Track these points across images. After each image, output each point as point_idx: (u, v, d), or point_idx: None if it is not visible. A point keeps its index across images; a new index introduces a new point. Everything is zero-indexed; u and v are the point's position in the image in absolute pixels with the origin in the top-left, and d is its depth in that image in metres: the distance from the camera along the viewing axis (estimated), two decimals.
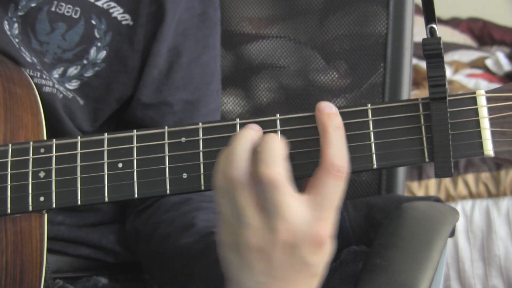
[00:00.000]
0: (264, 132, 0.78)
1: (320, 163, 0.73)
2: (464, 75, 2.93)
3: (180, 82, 1.05)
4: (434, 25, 0.77)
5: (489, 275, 2.32)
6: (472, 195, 2.34)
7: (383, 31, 1.24)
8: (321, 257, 0.74)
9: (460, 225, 2.32)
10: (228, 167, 0.73)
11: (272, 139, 0.74)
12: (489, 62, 3.04)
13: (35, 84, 0.97)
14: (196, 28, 1.06)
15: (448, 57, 3.17)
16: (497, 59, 3.02)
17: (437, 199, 1.16)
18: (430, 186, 2.36)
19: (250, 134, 0.75)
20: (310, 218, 0.72)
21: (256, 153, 0.74)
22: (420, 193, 2.35)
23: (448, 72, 2.99)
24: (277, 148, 0.73)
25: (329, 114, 0.76)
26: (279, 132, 0.79)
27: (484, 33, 3.59)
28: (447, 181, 2.35)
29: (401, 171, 1.24)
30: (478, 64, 3.09)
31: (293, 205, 0.72)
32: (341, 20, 1.26)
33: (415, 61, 2.71)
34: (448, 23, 3.66)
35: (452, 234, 1.09)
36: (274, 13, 1.30)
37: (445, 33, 3.47)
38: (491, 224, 2.32)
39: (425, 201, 1.15)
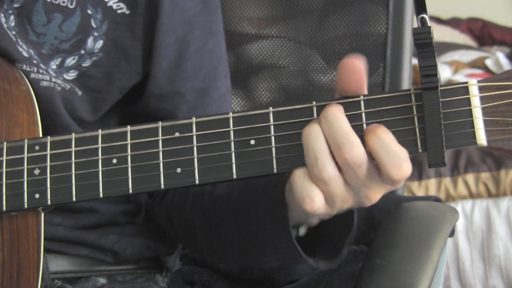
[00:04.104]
0: (257, 127, 0.79)
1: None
2: (464, 75, 2.93)
3: (191, 71, 1.06)
4: (425, 15, 0.77)
5: (489, 275, 2.32)
6: (472, 195, 2.34)
7: (383, 31, 1.24)
8: None
9: (460, 225, 2.32)
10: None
11: (332, 112, 0.77)
12: (489, 62, 3.04)
13: (32, 79, 0.97)
14: (200, 15, 1.07)
15: (448, 57, 3.16)
16: (497, 59, 3.02)
17: (437, 199, 1.16)
18: (430, 186, 2.35)
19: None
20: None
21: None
22: (420, 193, 2.35)
23: (448, 72, 2.99)
24: (344, 122, 0.77)
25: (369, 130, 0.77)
26: (272, 126, 0.79)
27: (484, 33, 3.59)
28: (447, 181, 2.35)
29: None
30: (478, 64, 3.09)
31: (375, 175, 0.78)
32: (341, 20, 1.26)
33: (415, 61, 2.71)
34: (448, 23, 3.66)
35: (452, 234, 1.08)
36: (274, 13, 1.30)
37: (445, 33, 3.47)
38: (491, 224, 2.32)
39: (425, 201, 1.15)
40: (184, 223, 1.05)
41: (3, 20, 0.97)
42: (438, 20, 3.63)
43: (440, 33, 3.40)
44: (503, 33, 3.55)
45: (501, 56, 3.03)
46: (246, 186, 0.94)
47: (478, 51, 3.31)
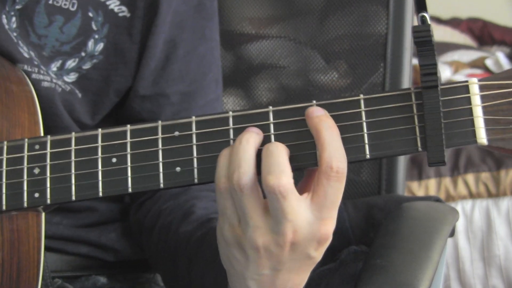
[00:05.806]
0: (257, 125, 0.79)
1: (319, 166, 0.75)
2: (464, 75, 2.92)
3: (177, 74, 1.06)
4: (425, 13, 0.77)
5: (489, 275, 2.32)
6: (472, 195, 2.34)
7: (383, 31, 1.24)
8: (322, 250, 0.78)
9: (460, 225, 2.32)
10: (234, 171, 0.75)
11: (275, 145, 0.76)
12: (489, 62, 3.04)
13: (34, 79, 0.97)
14: (193, 19, 1.06)
15: (448, 57, 3.16)
16: (497, 59, 3.02)
17: (437, 199, 1.16)
18: (430, 186, 2.35)
19: (253, 138, 0.76)
20: (313, 219, 0.75)
21: (260, 159, 0.75)
22: (420, 193, 2.35)
23: (448, 72, 2.99)
24: (282, 155, 0.75)
25: (319, 117, 0.76)
26: (272, 124, 0.79)
27: (484, 33, 3.59)
28: (447, 181, 2.35)
29: (401, 171, 1.24)
30: (478, 64, 3.09)
31: (299, 209, 0.74)
32: (341, 20, 1.26)
33: (415, 61, 2.71)
34: (448, 23, 3.66)
35: (452, 234, 1.08)
36: (274, 13, 1.30)
37: (445, 33, 3.47)
38: (491, 224, 2.32)
39: (425, 201, 1.15)
40: (151, 244, 1.05)
41: (5, 21, 0.98)
42: (438, 20, 3.63)
43: (440, 33, 3.40)
44: (503, 33, 3.54)
45: (501, 56, 3.03)
46: (203, 238, 0.94)
47: (478, 51, 3.31)
